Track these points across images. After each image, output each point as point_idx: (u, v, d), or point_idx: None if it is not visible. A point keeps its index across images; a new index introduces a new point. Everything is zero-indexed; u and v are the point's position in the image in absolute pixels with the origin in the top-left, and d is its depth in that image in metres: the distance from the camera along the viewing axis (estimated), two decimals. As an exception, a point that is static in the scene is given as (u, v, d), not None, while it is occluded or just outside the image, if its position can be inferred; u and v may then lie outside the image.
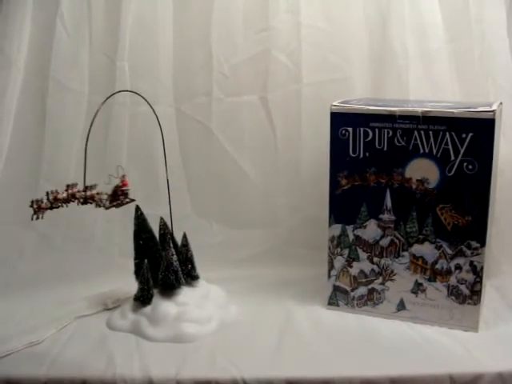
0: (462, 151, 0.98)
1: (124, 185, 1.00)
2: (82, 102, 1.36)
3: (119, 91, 1.20)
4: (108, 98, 1.04)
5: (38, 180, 1.38)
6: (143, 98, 1.08)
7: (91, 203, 0.98)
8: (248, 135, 1.36)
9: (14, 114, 1.34)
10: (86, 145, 0.96)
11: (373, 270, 1.10)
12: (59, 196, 0.96)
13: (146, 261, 1.08)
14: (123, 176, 1.01)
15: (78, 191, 0.98)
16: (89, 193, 0.97)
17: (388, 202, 1.05)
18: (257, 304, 1.15)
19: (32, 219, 0.96)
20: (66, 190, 0.97)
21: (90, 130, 0.96)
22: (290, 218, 1.37)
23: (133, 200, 1.03)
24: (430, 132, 0.99)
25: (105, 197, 0.99)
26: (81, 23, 1.34)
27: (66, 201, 0.97)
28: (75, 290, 1.21)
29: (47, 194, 0.96)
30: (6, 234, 1.38)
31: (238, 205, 1.38)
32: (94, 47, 1.35)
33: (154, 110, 1.09)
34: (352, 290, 1.12)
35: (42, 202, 0.96)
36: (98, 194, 0.98)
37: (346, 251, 1.11)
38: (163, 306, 1.07)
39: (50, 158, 1.37)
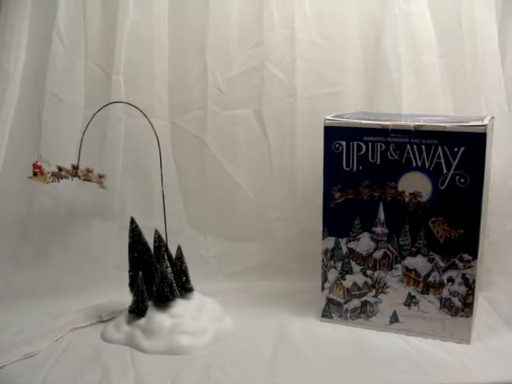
0: (454, 165, 0.99)
1: (34, 166, 1.08)
2: (78, 115, 1.36)
3: (114, 102, 1.20)
4: (101, 108, 1.11)
5: (33, 192, 1.38)
6: (140, 110, 1.10)
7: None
8: (242, 148, 1.36)
9: (9, 127, 1.34)
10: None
11: (366, 282, 1.10)
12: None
13: (140, 273, 1.09)
14: (37, 161, 1.09)
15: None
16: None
17: (381, 215, 1.06)
18: (251, 316, 1.16)
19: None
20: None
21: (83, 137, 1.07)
22: (284, 230, 1.37)
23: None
24: (423, 146, 1.00)
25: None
26: (77, 37, 1.34)
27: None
28: (70, 302, 1.21)
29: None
30: (0, 246, 1.38)
31: (232, 218, 1.38)
32: (90, 61, 1.35)
33: (150, 122, 1.11)
34: (345, 303, 1.13)
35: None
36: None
37: (340, 264, 1.11)
38: (158, 318, 1.07)
39: (45, 170, 1.38)
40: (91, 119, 1.12)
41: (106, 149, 1.35)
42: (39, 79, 1.35)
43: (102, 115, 1.35)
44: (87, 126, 1.11)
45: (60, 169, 1.10)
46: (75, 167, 1.11)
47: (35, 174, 1.09)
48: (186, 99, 1.36)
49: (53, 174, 1.10)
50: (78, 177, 1.11)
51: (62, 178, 1.10)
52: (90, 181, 1.12)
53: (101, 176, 1.13)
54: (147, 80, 1.34)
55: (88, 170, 1.12)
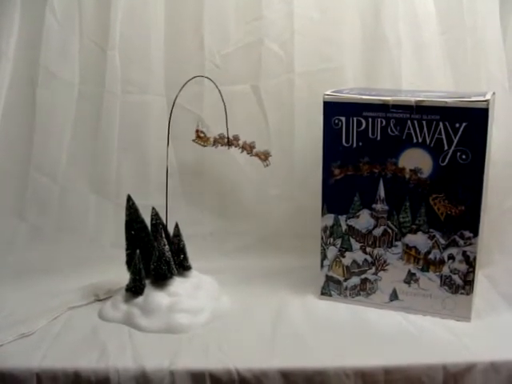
0: (455, 141, 0.98)
1: (196, 131, 1.15)
2: (73, 91, 1.35)
3: (196, 76, 1.18)
4: (185, 84, 1.13)
5: (28, 170, 1.37)
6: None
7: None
8: (240, 125, 1.34)
9: (3, 104, 1.33)
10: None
11: (366, 259, 1.10)
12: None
13: (137, 251, 1.08)
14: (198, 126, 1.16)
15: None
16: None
17: (381, 191, 1.05)
18: (249, 294, 1.15)
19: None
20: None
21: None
22: (282, 207, 1.36)
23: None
24: (424, 122, 0.99)
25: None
26: (71, 12, 1.33)
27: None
28: (66, 280, 1.20)
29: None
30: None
31: (230, 195, 1.38)
32: (85, 36, 1.33)
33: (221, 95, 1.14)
34: (345, 280, 1.12)
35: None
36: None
37: (339, 241, 1.10)
38: (155, 297, 1.06)
39: (40, 147, 1.36)
40: (175, 100, 1.13)
41: (101, 125, 1.34)
42: (33, 55, 1.34)
43: (97, 91, 1.35)
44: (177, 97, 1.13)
45: (220, 137, 1.14)
46: (236, 138, 1.14)
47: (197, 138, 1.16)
48: (183, 75, 1.33)
49: (215, 141, 1.14)
50: (235, 147, 1.15)
51: (221, 145, 1.15)
52: (251, 155, 1.15)
53: (266, 154, 1.14)
54: (143, 55, 1.33)
55: (251, 146, 1.14)
